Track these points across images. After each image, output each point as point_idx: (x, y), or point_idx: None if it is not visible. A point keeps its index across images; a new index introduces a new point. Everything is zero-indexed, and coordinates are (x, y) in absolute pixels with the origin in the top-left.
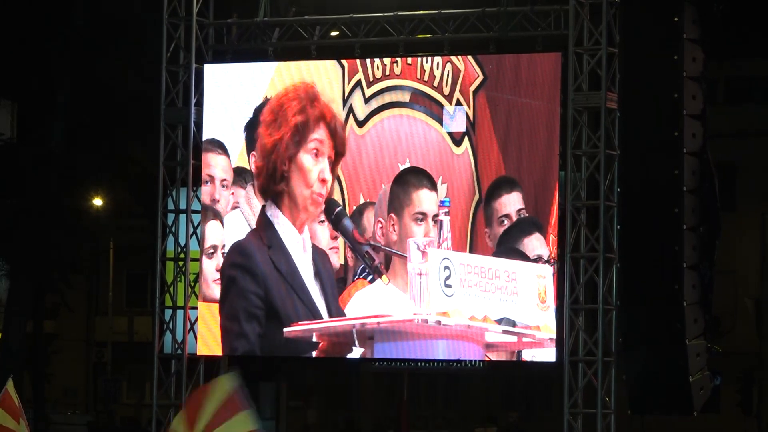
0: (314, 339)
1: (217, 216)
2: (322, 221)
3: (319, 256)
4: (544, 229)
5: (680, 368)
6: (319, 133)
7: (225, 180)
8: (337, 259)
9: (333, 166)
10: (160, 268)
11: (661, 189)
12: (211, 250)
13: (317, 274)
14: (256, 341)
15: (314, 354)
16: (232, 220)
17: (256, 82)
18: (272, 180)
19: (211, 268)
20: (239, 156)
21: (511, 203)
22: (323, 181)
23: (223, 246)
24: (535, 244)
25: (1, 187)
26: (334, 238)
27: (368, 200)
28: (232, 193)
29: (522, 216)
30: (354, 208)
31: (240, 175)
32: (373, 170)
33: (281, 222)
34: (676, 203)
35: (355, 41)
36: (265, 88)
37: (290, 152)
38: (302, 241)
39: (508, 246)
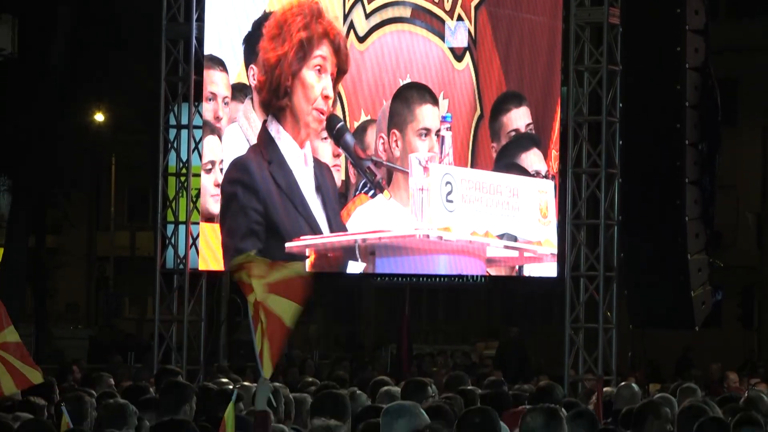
0: (306, 253)
1: (215, 131)
2: (325, 138)
3: (320, 170)
4: (542, 145)
5: (682, 283)
6: (323, 50)
7: (227, 97)
8: (339, 176)
9: (335, 83)
10: (162, 184)
11: (663, 104)
12: (209, 166)
13: (318, 189)
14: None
15: (306, 268)
16: (230, 134)
17: None
18: (275, 95)
19: (209, 184)
20: (238, 72)
21: (520, 117)
22: (326, 97)
23: (221, 161)
24: (532, 159)
25: (2, 102)
26: (336, 156)
27: (369, 116)
28: (230, 108)
29: (529, 131)
30: (355, 124)
31: (239, 91)
32: (372, 86)
33: (282, 137)
34: (678, 118)
35: None
36: (265, 2)
37: (294, 68)
38: (303, 155)
39: (507, 161)
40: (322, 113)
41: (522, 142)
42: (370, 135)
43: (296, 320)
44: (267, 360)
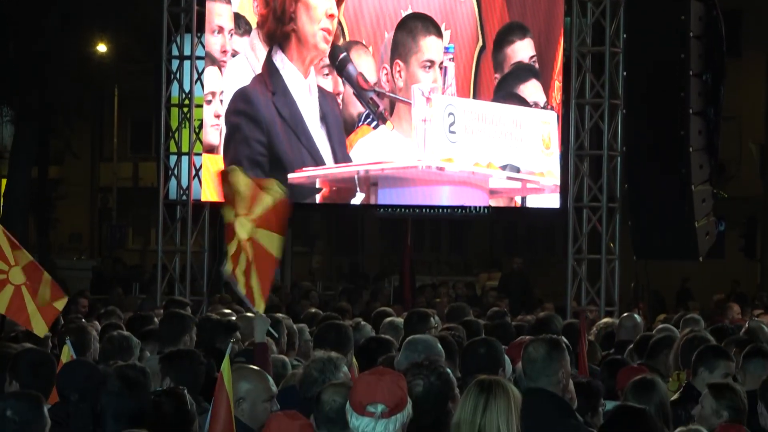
0: (318, 185)
1: (215, 62)
2: (327, 74)
3: (325, 99)
4: (543, 76)
5: (686, 214)
6: None
7: (233, 30)
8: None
9: (338, 3)
10: (165, 115)
11: (667, 34)
12: (210, 97)
13: (323, 119)
14: None
15: (318, 200)
16: (235, 66)
17: None
18: (279, 22)
19: (209, 115)
20: (241, 3)
21: (524, 49)
22: (331, 16)
23: (221, 92)
24: (532, 90)
25: (4, 33)
26: (337, 94)
27: (371, 47)
28: (235, 41)
29: (532, 63)
30: (357, 55)
31: (245, 24)
32: (374, 17)
33: (287, 67)
34: (682, 49)
35: None
36: None
37: None
38: (308, 86)
39: (507, 91)
40: (329, 33)
41: (521, 73)
42: (372, 65)
43: (282, 250)
44: (258, 296)
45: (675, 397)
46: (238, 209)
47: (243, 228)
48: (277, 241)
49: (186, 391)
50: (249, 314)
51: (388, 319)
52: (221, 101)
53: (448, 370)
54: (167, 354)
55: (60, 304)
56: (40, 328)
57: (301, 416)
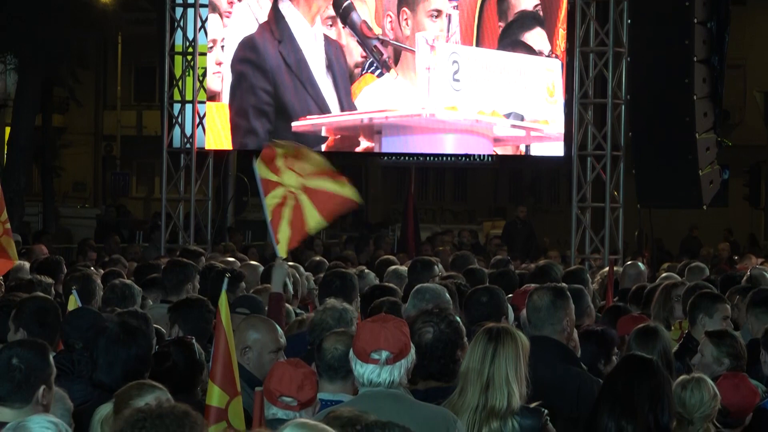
0: (323, 133)
1: (216, 10)
2: (331, 26)
3: (331, 47)
4: (548, 24)
5: (690, 162)
6: None
7: None
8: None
9: None
10: (168, 63)
11: None
12: (210, 44)
13: (329, 67)
14: (266, 137)
15: (323, 148)
16: (239, 14)
17: None
18: None
19: (210, 62)
20: None
21: None
22: None
23: (223, 40)
24: (536, 38)
25: None
26: (342, 47)
27: None
28: None
29: (536, 11)
30: (361, 3)
31: None
32: None
33: (293, 15)
34: None
35: None
36: None
37: None
38: (314, 34)
39: (512, 39)
40: None
41: (526, 21)
42: (377, 13)
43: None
44: (284, 243)
45: (675, 348)
46: (292, 165)
47: (291, 179)
48: (317, 220)
49: (194, 339)
50: (252, 263)
51: (393, 267)
52: (222, 48)
53: (458, 318)
54: (176, 303)
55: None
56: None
57: (305, 364)
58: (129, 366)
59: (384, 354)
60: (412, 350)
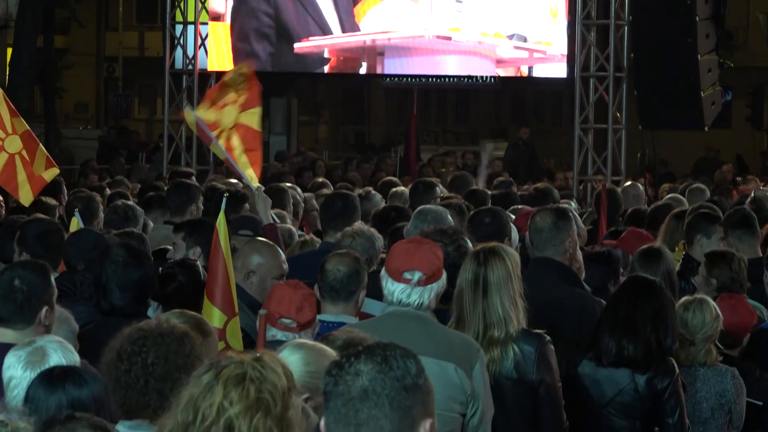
0: (326, 55)
1: None
2: None
3: None
4: None
5: (692, 83)
6: None
7: None
8: None
9: None
10: None
11: None
12: None
13: None
14: (268, 60)
15: (326, 69)
16: None
17: None
18: None
19: None
20: None
21: None
22: None
23: None
24: None
25: None
26: None
27: None
28: None
29: None
30: None
31: None
32: None
33: None
34: None
35: None
36: None
37: None
38: None
39: None
40: None
41: None
42: None
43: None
44: (251, 171)
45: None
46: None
47: (231, 114)
48: (257, 114)
49: (200, 260)
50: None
51: (396, 188)
52: None
53: (469, 243)
54: (190, 223)
55: (49, 175)
56: (27, 198)
57: (304, 286)
58: (138, 289)
59: (417, 275)
60: (444, 275)
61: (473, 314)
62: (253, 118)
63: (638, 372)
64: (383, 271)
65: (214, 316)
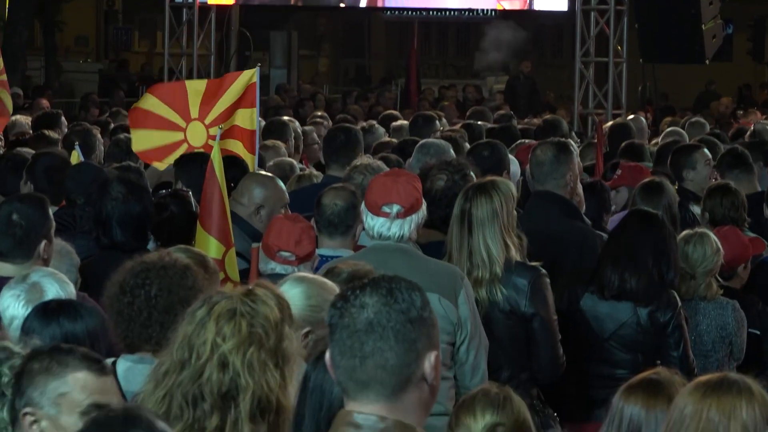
0: None
1: None
2: None
3: None
4: None
5: (693, 16)
6: None
7: None
8: None
9: None
10: None
11: None
12: None
13: None
14: None
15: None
16: None
17: None
18: None
19: None
20: None
21: None
22: None
23: None
24: None
25: None
26: None
27: None
28: None
29: None
30: None
31: None
32: None
33: None
34: None
35: None
36: None
37: None
38: None
39: None
40: None
41: None
42: None
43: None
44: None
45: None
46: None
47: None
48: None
49: (191, 193)
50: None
51: (397, 122)
52: None
53: (473, 175)
54: (179, 158)
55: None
56: None
57: (303, 219)
58: (138, 225)
59: (395, 208)
60: (424, 206)
61: (460, 252)
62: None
63: (640, 305)
64: (363, 206)
65: (210, 247)
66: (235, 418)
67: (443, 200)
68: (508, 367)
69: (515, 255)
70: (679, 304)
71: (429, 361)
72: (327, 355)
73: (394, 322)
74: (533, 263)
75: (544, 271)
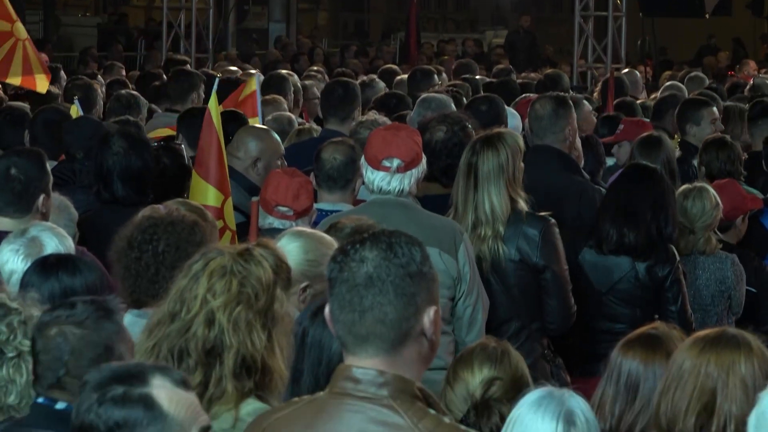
0: None
1: None
2: None
3: None
4: None
5: None
6: None
7: None
8: None
9: None
10: None
11: None
12: None
13: None
14: None
15: None
16: None
17: None
18: None
19: None
20: None
21: None
22: None
23: None
24: None
25: None
26: None
27: None
28: None
29: None
30: None
31: None
32: None
33: None
34: None
35: None
36: None
37: None
38: None
39: None
40: None
41: None
42: None
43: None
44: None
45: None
46: None
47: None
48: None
49: (184, 145)
50: (253, 71)
51: (399, 77)
52: None
53: (471, 127)
54: (182, 112)
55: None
56: (43, 85)
57: (301, 173)
58: (139, 180)
59: (395, 162)
60: (423, 160)
61: (465, 207)
62: None
63: (639, 260)
64: (362, 160)
65: (209, 195)
66: (220, 376)
67: (443, 151)
68: (518, 318)
69: (524, 206)
70: (678, 258)
71: (428, 315)
72: (326, 309)
73: (393, 276)
74: (543, 213)
75: (554, 221)
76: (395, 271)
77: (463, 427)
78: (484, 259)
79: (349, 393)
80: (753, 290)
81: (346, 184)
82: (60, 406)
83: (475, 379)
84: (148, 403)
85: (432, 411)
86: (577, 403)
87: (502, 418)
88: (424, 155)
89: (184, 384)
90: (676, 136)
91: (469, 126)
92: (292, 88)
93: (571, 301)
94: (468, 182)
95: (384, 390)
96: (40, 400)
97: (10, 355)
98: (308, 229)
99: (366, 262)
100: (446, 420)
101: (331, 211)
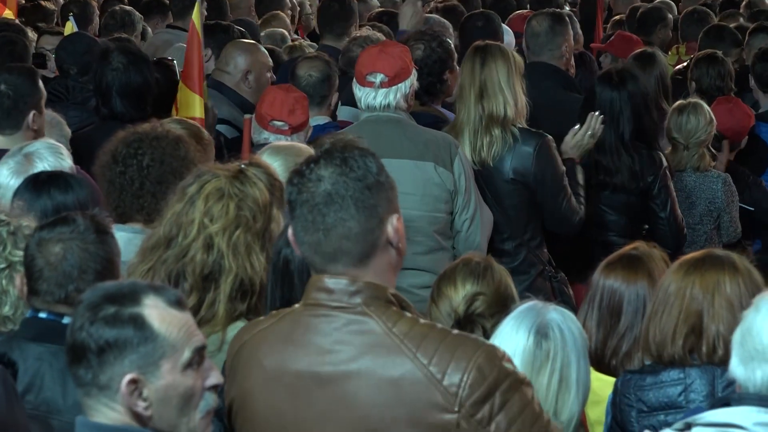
0: None
1: None
2: None
3: None
4: None
5: None
6: None
7: None
8: None
9: None
10: None
11: None
12: None
13: None
14: None
15: None
16: None
17: None
18: None
19: None
20: None
21: None
22: None
23: None
24: None
25: None
26: None
27: None
28: None
29: None
30: None
31: None
32: None
33: None
34: None
35: None
36: None
37: None
38: None
39: None
40: None
41: None
42: None
43: None
44: None
45: (680, 66)
46: None
47: None
48: None
49: (175, 61)
50: None
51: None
52: None
53: (450, 42)
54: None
55: None
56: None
57: (296, 89)
58: (138, 96)
59: (379, 77)
60: (413, 76)
61: (470, 96)
62: None
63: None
64: (354, 80)
65: (195, 105)
66: (213, 299)
67: (423, 69)
68: (517, 234)
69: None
70: (665, 164)
71: (391, 224)
72: (289, 232)
73: (352, 190)
74: (537, 130)
75: (549, 136)
76: (353, 185)
77: (439, 325)
78: (486, 167)
79: (322, 303)
80: (749, 208)
81: (321, 101)
82: (67, 320)
83: (458, 294)
84: (139, 323)
85: (408, 314)
86: (557, 317)
87: (486, 334)
88: (414, 71)
89: (178, 304)
90: (671, 52)
91: (447, 41)
92: (288, 4)
93: (573, 203)
94: (473, 77)
95: (357, 297)
96: (43, 315)
97: (2, 266)
98: (285, 143)
99: (323, 180)
100: (421, 320)
101: (322, 126)
